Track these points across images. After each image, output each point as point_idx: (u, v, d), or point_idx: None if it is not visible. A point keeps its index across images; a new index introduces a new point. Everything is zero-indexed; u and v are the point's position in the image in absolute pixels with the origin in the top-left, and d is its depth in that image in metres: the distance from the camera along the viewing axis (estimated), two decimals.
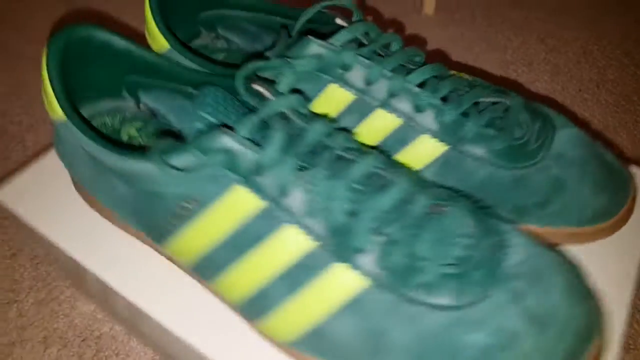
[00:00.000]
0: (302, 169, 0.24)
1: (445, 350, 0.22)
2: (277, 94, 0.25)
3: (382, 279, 0.23)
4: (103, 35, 0.31)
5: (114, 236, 0.32)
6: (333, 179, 0.23)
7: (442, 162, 0.28)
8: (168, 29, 0.33)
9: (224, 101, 0.28)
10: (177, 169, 0.23)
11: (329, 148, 0.24)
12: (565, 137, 0.29)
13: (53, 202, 0.34)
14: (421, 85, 0.28)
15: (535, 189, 0.28)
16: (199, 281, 0.29)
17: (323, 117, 0.25)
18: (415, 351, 0.23)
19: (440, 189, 0.26)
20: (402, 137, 0.28)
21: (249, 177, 0.23)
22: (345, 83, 0.28)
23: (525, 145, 0.29)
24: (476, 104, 0.29)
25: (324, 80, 0.28)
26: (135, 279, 0.30)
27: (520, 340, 0.22)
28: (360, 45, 0.29)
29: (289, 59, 0.26)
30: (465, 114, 0.28)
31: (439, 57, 0.66)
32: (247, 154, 0.23)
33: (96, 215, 0.33)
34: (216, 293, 0.28)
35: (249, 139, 0.23)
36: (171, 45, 0.33)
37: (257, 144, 0.23)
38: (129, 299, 0.29)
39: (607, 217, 0.29)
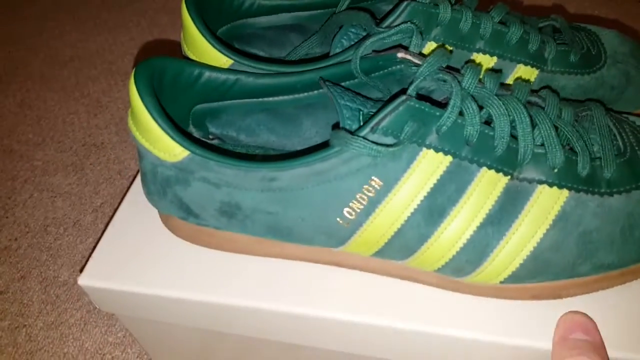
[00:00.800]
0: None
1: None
2: (421, 56, 0.26)
3: (577, 187, 0.25)
4: (175, 66, 0.28)
5: (257, 266, 0.30)
6: (508, 112, 0.25)
7: (539, 83, 0.31)
8: (226, 44, 0.31)
9: (344, 90, 0.28)
10: (386, 146, 0.23)
11: (484, 89, 0.25)
12: (609, 39, 0.34)
13: (156, 263, 0.31)
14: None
15: (612, 83, 0.32)
16: (376, 271, 0.28)
17: (470, 67, 0.26)
18: (618, 237, 0.25)
19: (567, 99, 0.29)
20: (503, 71, 0.31)
21: (436, 138, 0.24)
22: (441, 38, 0.30)
23: (589, 52, 0.33)
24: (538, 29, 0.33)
25: (425, 38, 0.29)
26: (316, 294, 0.29)
27: None
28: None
29: (412, 24, 0.27)
30: (541, 41, 0.31)
31: None
32: (433, 116, 0.24)
33: (217, 255, 0.31)
34: (408, 271, 0.27)
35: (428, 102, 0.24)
36: (236, 60, 0.31)
37: (435, 105, 0.24)
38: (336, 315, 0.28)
39: None
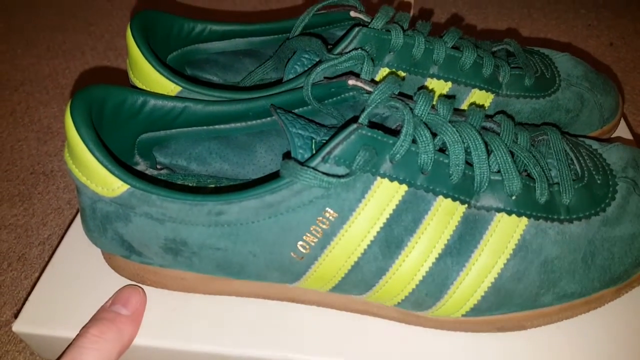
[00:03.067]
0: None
1: (602, 250, 0.25)
2: (372, 83, 0.25)
3: (536, 214, 0.24)
4: (117, 94, 0.27)
5: (209, 307, 0.28)
6: (463, 139, 0.24)
7: (494, 108, 0.31)
8: (174, 71, 0.30)
9: (296, 117, 0.27)
10: (338, 176, 0.22)
11: (437, 116, 0.25)
12: (562, 62, 0.34)
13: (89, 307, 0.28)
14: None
15: (568, 106, 0.32)
16: (334, 306, 0.27)
17: (423, 93, 0.25)
18: (580, 265, 0.25)
19: (523, 124, 0.28)
20: (457, 96, 0.30)
21: (390, 167, 0.23)
22: (394, 64, 0.29)
23: (543, 75, 0.33)
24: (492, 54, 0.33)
25: (377, 65, 0.29)
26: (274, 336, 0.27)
27: None
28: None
29: (363, 50, 0.26)
30: (495, 65, 0.31)
31: None
32: (386, 144, 0.23)
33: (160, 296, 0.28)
34: (368, 306, 0.26)
35: (381, 130, 0.23)
36: (184, 86, 0.30)
37: (389, 132, 0.23)
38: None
39: (615, 113, 0.34)
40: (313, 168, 0.22)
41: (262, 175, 0.32)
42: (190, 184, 0.31)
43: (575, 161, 0.27)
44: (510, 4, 0.76)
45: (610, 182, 0.26)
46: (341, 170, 0.22)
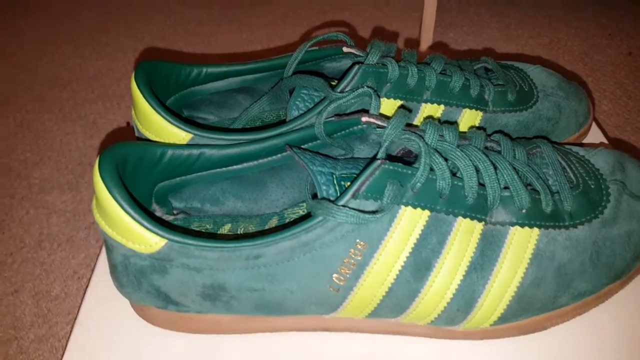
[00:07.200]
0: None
1: (605, 249, 0.27)
2: (384, 118, 0.27)
3: (545, 223, 0.27)
4: (138, 150, 0.27)
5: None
6: (473, 162, 0.26)
7: (484, 124, 0.33)
8: (183, 119, 0.31)
9: (313, 155, 0.28)
10: (372, 212, 0.23)
11: (445, 143, 0.27)
12: (536, 74, 0.37)
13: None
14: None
15: (547, 115, 0.35)
16: (367, 330, 0.28)
17: (430, 122, 0.27)
18: (589, 265, 0.27)
19: (517, 138, 0.31)
20: (450, 117, 0.33)
21: (412, 195, 0.25)
22: (391, 94, 0.31)
23: (522, 89, 0.36)
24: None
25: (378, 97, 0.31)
26: None
27: None
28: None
29: (370, 88, 0.28)
30: (481, 85, 0.34)
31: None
32: (407, 175, 0.24)
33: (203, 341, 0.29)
34: (401, 327, 0.28)
35: (399, 162, 0.25)
36: (195, 133, 0.31)
37: (407, 163, 0.25)
38: None
39: (588, 117, 0.38)
40: (346, 206, 0.23)
41: (275, 208, 0.33)
42: (207, 225, 0.32)
43: (568, 169, 0.29)
44: (531, 12, 0.81)
45: (603, 186, 0.28)
46: (369, 203, 0.24)
